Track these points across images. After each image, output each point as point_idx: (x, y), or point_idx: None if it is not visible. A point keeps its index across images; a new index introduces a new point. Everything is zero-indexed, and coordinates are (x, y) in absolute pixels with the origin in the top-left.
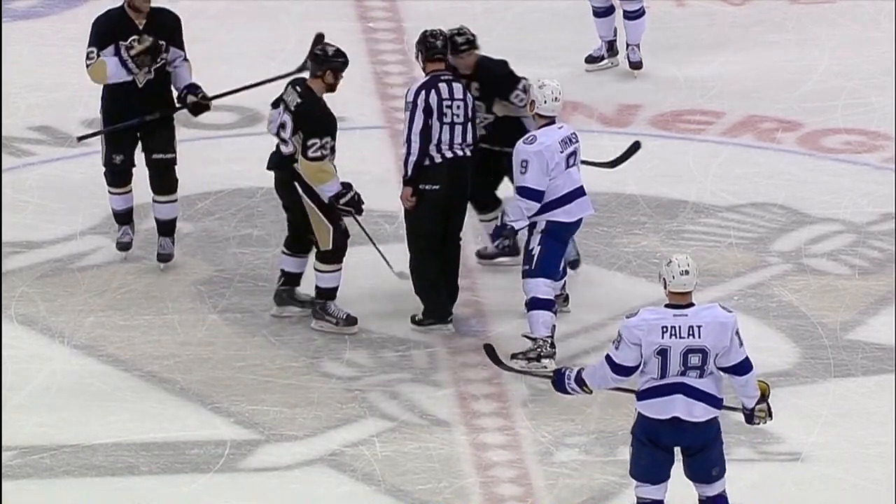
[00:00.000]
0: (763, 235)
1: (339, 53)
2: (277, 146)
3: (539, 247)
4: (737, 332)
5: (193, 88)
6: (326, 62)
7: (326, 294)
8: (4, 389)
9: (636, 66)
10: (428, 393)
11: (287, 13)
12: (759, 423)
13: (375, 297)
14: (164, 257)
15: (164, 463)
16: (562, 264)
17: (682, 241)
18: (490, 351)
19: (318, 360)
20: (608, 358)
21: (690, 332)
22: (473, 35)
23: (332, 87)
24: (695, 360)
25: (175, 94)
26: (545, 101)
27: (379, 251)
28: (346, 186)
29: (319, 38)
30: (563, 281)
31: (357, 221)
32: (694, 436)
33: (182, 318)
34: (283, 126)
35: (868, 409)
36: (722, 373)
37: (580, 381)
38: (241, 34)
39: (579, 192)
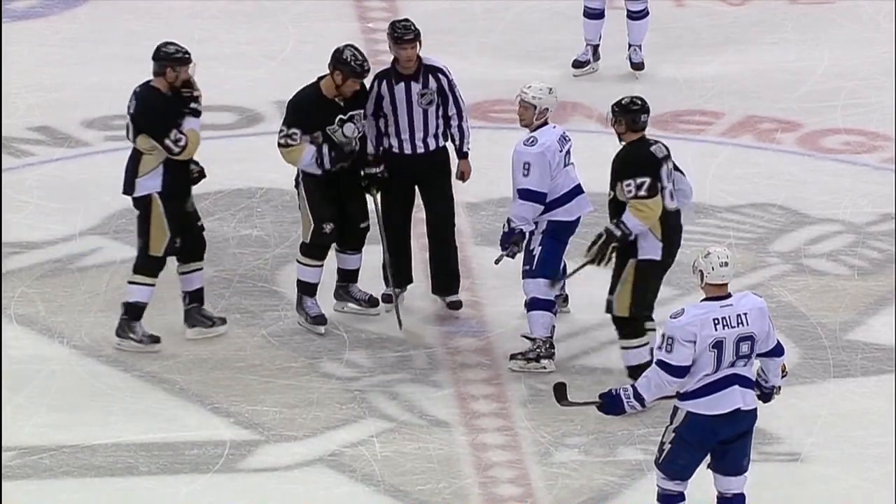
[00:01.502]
0: (762, 236)
1: (346, 59)
2: None
3: (540, 247)
4: (770, 321)
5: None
6: (340, 64)
7: (302, 287)
8: (4, 390)
9: (638, 66)
10: (427, 393)
11: (287, 13)
12: (772, 400)
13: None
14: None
15: (163, 463)
16: (562, 264)
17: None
18: (560, 390)
19: (318, 360)
20: (662, 364)
21: (739, 321)
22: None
23: (336, 89)
24: (745, 347)
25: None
26: (557, 100)
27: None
28: (318, 150)
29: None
30: (563, 281)
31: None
32: (745, 423)
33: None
34: None
35: (867, 409)
36: (757, 358)
37: (639, 397)
38: (241, 34)
39: (577, 191)
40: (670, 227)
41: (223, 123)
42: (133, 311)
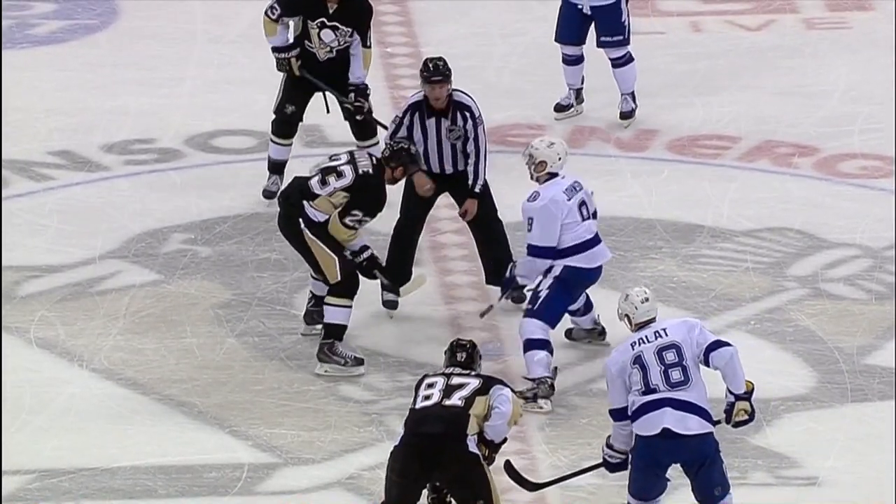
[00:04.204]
0: (779, 260)
1: (417, 159)
2: (293, 182)
3: (548, 291)
4: (703, 329)
5: (362, 92)
6: (402, 160)
7: (334, 332)
8: (24, 412)
9: (626, 115)
10: None
11: None
12: (739, 422)
13: (392, 320)
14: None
15: (182, 486)
16: (565, 313)
17: (698, 266)
18: (509, 468)
19: (336, 383)
20: (609, 411)
21: (658, 335)
22: None
23: (393, 181)
24: (670, 356)
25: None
26: (559, 158)
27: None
28: (364, 248)
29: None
30: (593, 312)
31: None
32: (690, 451)
33: (200, 342)
34: (339, 174)
35: (885, 433)
36: (706, 366)
37: (609, 446)
38: (261, 59)
39: (595, 240)
40: (415, 422)
41: (243, 147)
42: (268, 164)
